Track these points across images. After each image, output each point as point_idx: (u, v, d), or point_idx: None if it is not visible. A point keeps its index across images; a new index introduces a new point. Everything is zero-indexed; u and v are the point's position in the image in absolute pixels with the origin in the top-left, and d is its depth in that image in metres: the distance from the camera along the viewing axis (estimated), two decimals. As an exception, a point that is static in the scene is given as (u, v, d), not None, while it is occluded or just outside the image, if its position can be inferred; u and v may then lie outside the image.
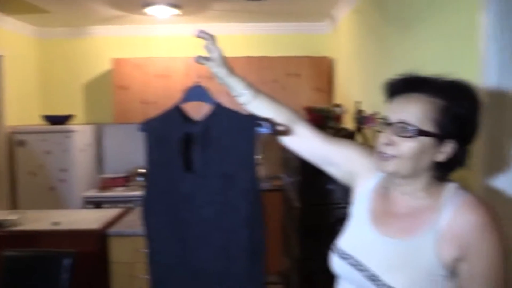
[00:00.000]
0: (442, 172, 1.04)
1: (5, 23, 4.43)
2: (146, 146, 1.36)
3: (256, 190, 1.23)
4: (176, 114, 1.32)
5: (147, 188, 1.37)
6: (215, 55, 1.23)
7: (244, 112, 1.27)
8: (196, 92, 1.35)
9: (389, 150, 1.03)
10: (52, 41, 5.08)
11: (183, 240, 1.31)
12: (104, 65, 5.00)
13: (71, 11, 4.33)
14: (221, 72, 1.24)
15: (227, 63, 1.26)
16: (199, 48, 1.28)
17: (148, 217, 1.37)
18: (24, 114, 4.77)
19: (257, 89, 1.29)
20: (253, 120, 1.22)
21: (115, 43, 5.04)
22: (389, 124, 1.03)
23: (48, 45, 5.08)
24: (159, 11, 4.13)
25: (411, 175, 1.03)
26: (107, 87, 4.93)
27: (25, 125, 4.59)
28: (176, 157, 1.29)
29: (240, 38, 4.93)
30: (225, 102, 1.30)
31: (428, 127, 0.99)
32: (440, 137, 0.99)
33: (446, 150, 1.01)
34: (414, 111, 1.00)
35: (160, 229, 1.35)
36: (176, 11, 4.16)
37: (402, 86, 1.05)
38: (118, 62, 4.71)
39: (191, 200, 1.28)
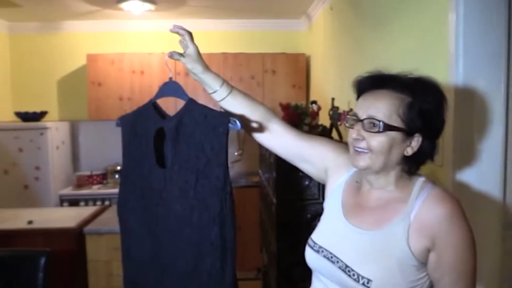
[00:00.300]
0: (411, 165, 1.08)
1: (-25, 17, 4.31)
2: (122, 140, 1.37)
3: (227, 187, 1.22)
4: (150, 110, 1.32)
5: (122, 183, 1.37)
6: (190, 51, 1.23)
7: (217, 109, 1.28)
8: (170, 88, 1.35)
9: (361, 144, 1.06)
10: (24, 36, 4.96)
11: (156, 236, 1.31)
12: (78, 61, 4.92)
13: (43, 5, 4.24)
14: (196, 68, 1.24)
15: (202, 60, 1.25)
16: (175, 44, 1.28)
17: (123, 212, 1.37)
18: (-5, 111, 4.66)
19: (232, 86, 1.30)
20: (225, 116, 1.22)
21: (89, 38, 4.96)
22: (359, 120, 1.06)
23: (20, 40, 4.97)
24: (134, 6, 4.09)
25: (382, 169, 1.07)
26: (81, 83, 4.84)
27: (-4, 122, 4.49)
28: (149, 152, 1.29)
29: (216, 34, 4.92)
30: (201, 98, 1.31)
31: (396, 122, 1.03)
32: (407, 131, 1.03)
33: (414, 144, 1.05)
34: (381, 106, 1.03)
35: (133, 224, 1.35)
36: (151, 6, 4.12)
37: (370, 83, 1.08)
38: (92, 57, 4.64)
39: (164, 195, 1.27)
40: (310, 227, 2.25)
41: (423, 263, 1.02)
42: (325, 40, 3.94)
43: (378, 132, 1.02)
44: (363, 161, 1.07)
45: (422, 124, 1.03)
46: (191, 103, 1.27)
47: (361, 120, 1.05)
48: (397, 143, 1.04)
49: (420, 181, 1.08)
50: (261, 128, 1.29)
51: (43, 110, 4.67)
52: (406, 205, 1.05)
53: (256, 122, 1.28)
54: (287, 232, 2.27)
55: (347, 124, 1.12)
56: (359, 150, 1.07)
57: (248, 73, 4.64)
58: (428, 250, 1.01)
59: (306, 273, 1.25)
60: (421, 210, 1.02)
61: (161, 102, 1.37)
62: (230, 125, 1.21)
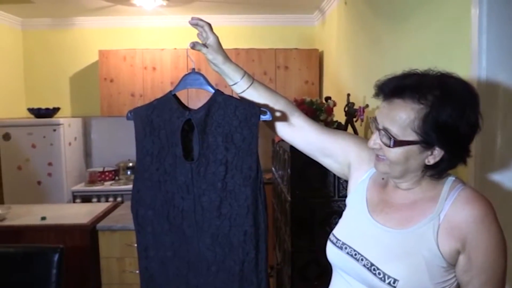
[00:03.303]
0: (435, 172, 1.03)
1: (-12, 14, 4.33)
2: (136, 135, 1.33)
3: (258, 177, 1.23)
4: (171, 102, 1.29)
5: (138, 179, 1.33)
6: (211, 41, 1.20)
7: (244, 100, 1.26)
8: (194, 79, 1.31)
9: (379, 153, 1.04)
10: (37, 32, 4.98)
11: (180, 230, 1.29)
12: (91, 57, 4.93)
13: (56, 1, 4.25)
14: (217, 58, 1.21)
15: (223, 50, 1.23)
16: (187, 40, 1.24)
17: (139, 209, 1.34)
18: (9, 107, 4.69)
19: (253, 77, 1.27)
20: (256, 107, 1.21)
21: (101, 34, 4.97)
22: (378, 129, 1.03)
23: (33, 36, 4.99)
24: (146, 2, 4.07)
25: (402, 176, 1.04)
26: (93, 80, 4.86)
27: (10, 118, 4.52)
28: (172, 145, 1.26)
29: (229, 29, 4.89)
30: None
31: (410, 136, 0.98)
32: (425, 143, 0.98)
33: (436, 153, 0.99)
34: (396, 119, 0.99)
35: (151, 221, 1.32)
36: (163, 1, 4.10)
37: (388, 91, 1.03)
38: (104, 53, 4.64)
39: (190, 189, 1.26)
40: (326, 225, 2.25)
41: (451, 264, 0.99)
42: (339, 35, 3.90)
43: (390, 147, 1.00)
44: (382, 167, 1.05)
45: (438, 138, 0.97)
46: (218, 95, 1.24)
47: (379, 129, 1.03)
48: (415, 154, 1.00)
49: (449, 180, 1.04)
50: (284, 117, 1.26)
51: (56, 107, 4.69)
52: (435, 205, 1.01)
53: (279, 111, 1.26)
54: (302, 230, 2.24)
55: (372, 128, 1.09)
56: (379, 156, 1.05)
57: (260, 69, 4.61)
58: (458, 252, 0.98)
59: (321, 272, 1.23)
60: (451, 211, 0.99)
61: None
62: (261, 115, 1.20)
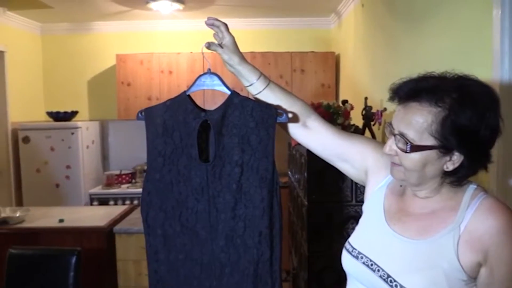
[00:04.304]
0: (454, 179, 0.99)
1: (8, 19, 4.41)
2: (148, 135, 1.31)
3: (274, 179, 1.22)
4: (185, 103, 1.27)
5: (148, 180, 1.31)
6: (227, 41, 1.19)
7: (261, 101, 1.25)
8: (209, 80, 1.30)
9: (395, 160, 1.01)
10: (56, 37, 5.06)
11: (193, 232, 1.28)
12: (108, 61, 4.98)
13: (74, 7, 4.31)
14: (232, 59, 1.20)
15: (239, 51, 1.22)
16: (203, 43, 1.24)
17: (149, 211, 1.31)
18: (28, 110, 4.77)
19: (269, 79, 1.25)
20: (272, 109, 1.20)
21: (118, 38, 5.02)
22: (393, 134, 1.00)
23: (52, 41, 5.07)
24: (163, 6, 4.10)
25: (420, 183, 1.00)
26: (111, 83, 4.91)
27: (29, 122, 4.59)
28: (186, 146, 1.25)
29: (244, 33, 4.89)
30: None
31: (428, 140, 0.94)
32: (444, 148, 0.94)
33: (455, 158, 0.95)
34: (413, 123, 0.95)
35: (163, 224, 1.30)
36: (179, 6, 4.13)
37: (403, 94, 0.99)
38: (121, 58, 4.69)
39: (205, 190, 1.25)
40: (343, 230, 2.23)
41: (472, 277, 0.94)
42: (356, 38, 3.87)
43: (406, 152, 0.96)
44: (398, 173, 1.01)
45: (457, 142, 0.92)
46: (234, 96, 1.24)
47: (394, 135, 0.99)
48: (433, 160, 0.95)
49: (470, 188, 1.00)
50: (296, 119, 1.24)
51: (74, 110, 4.75)
52: (455, 215, 0.97)
53: (292, 112, 1.24)
54: (319, 235, 2.22)
55: (387, 133, 1.05)
56: (395, 162, 1.01)
57: (276, 72, 4.60)
58: (479, 265, 0.93)
59: (338, 278, 1.21)
60: (472, 222, 0.94)
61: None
62: (278, 117, 1.19)
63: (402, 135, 0.96)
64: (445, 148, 0.94)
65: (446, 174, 0.98)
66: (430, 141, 0.94)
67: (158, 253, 1.33)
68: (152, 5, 4.08)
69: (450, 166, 0.96)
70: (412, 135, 0.95)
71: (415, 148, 0.95)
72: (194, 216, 1.27)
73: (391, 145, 1.00)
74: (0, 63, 4.34)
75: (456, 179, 0.99)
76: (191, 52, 4.64)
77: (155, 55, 4.68)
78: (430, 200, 1.02)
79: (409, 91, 0.98)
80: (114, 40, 5.02)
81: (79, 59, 5.05)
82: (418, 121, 0.94)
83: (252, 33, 4.93)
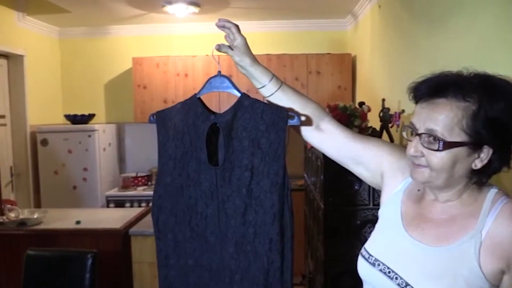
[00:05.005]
0: (481, 177, 0.96)
1: (27, 23, 4.48)
2: (159, 138, 1.30)
3: (285, 183, 1.19)
4: (195, 105, 1.26)
5: (159, 184, 1.30)
6: (238, 42, 1.17)
7: (272, 104, 1.22)
8: (219, 82, 1.29)
9: (420, 161, 0.96)
10: (73, 41, 5.12)
11: (203, 238, 1.25)
12: (125, 64, 5.02)
13: (91, 11, 4.35)
14: (244, 60, 1.18)
15: (251, 52, 1.20)
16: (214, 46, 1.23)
17: (159, 215, 1.30)
18: (46, 113, 4.83)
19: (281, 80, 1.23)
20: (284, 111, 1.17)
21: (135, 42, 5.06)
22: (417, 134, 0.96)
23: (69, 45, 5.13)
24: (179, 9, 4.12)
25: (447, 185, 0.97)
26: (127, 86, 4.94)
27: (47, 124, 4.64)
28: (196, 150, 1.24)
29: (260, 35, 4.88)
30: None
31: (458, 136, 0.91)
32: (474, 144, 0.91)
33: (484, 156, 0.92)
34: (441, 119, 0.91)
35: (174, 228, 1.28)
36: (195, 9, 4.14)
37: (427, 90, 0.95)
38: (138, 61, 4.72)
39: (214, 195, 1.23)
40: (360, 235, 2.19)
41: (494, 286, 0.91)
42: (373, 39, 3.82)
43: (438, 150, 0.92)
44: (422, 175, 0.97)
45: (490, 135, 0.90)
46: (244, 98, 1.21)
47: (419, 134, 0.95)
48: (462, 158, 0.92)
49: (491, 193, 0.96)
50: (309, 122, 1.21)
51: (91, 113, 4.80)
52: (476, 220, 0.94)
53: (304, 115, 1.21)
54: (335, 238, 2.19)
55: (405, 135, 1.02)
56: (416, 163, 0.97)
57: (292, 74, 4.58)
58: (502, 272, 0.90)
59: (355, 283, 1.18)
60: (494, 227, 0.91)
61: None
62: (289, 120, 1.16)
63: (430, 133, 0.93)
64: (475, 144, 0.91)
65: (473, 173, 0.95)
66: (461, 137, 0.91)
67: (168, 258, 1.31)
68: (168, 8, 4.10)
69: (478, 164, 0.93)
70: (442, 131, 0.91)
71: (448, 145, 0.91)
72: (204, 221, 1.25)
73: (416, 145, 0.96)
74: (20, 67, 4.41)
75: (484, 176, 0.96)
76: (207, 55, 4.64)
77: (171, 58, 4.70)
78: (451, 205, 0.99)
79: (433, 88, 0.95)
80: (131, 43, 5.06)
81: (96, 62, 5.10)
82: (448, 116, 0.91)
83: (268, 35, 4.92)
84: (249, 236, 1.21)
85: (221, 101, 4.33)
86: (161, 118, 1.31)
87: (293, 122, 1.17)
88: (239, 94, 1.24)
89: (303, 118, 1.21)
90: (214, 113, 1.25)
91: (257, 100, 1.21)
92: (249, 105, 1.20)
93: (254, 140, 1.19)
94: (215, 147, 1.27)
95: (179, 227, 1.27)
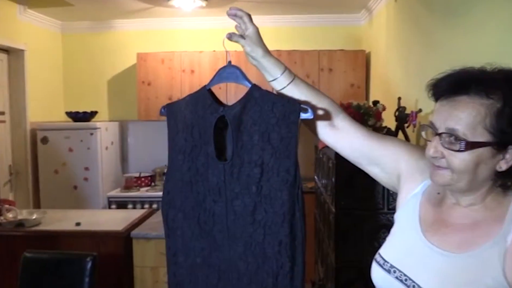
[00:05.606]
0: (506, 181, 0.93)
1: (29, 17, 4.49)
2: (169, 131, 1.30)
3: (296, 181, 1.16)
4: (205, 97, 1.25)
5: (169, 179, 1.30)
6: (250, 32, 1.15)
7: (284, 96, 1.20)
8: (230, 73, 1.27)
9: (440, 163, 0.94)
10: (76, 36, 5.14)
11: (211, 236, 1.24)
12: (129, 60, 5.02)
13: (94, 4, 4.36)
14: (255, 51, 1.16)
15: (263, 43, 1.18)
16: (226, 42, 1.21)
17: (169, 211, 1.30)
18: (47, 110, 4.85)
19: (294, 74, 1.21)
20: (296, 104, 1.15)
21: (139, 37, 5.06)
22: (437, 134, 0.93)
23: (72, 39, 5.14)
24: (185, 3, 4.11)
25: (469, 188, 0.94)
26: (131, 83, 4.95)
27: (48, 122, 4.66)
28: (204, 144, 1.22)
29: (270, 30, 4.84)
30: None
31: (482, 136, 0.88)
32: (498, 145, 0.89)
33: (509, 156, 0.90)
34: (463, 117, 0.89)
35: (182, 225, 1.28)
36: (202, 2, 4.13)
37: (447, 87, 0.93)
38: (142, 56, 4.72)
39: (222, 191, 1.21)
40: (373, 240, 2.16)
41: None
42: (388, 35, 3.79)
43: (460, 151, 0.89)
44: (442, 178, 0.94)
45: None
46: (255, 90, 1.19)
47: (439, 134, 0.92)
48: (486, 159, 0.89)
49: None
50: (327, 117, 1.18)
51: (93, 110, 4.81)
52: (501, 226, 0.90)
53: (323, 109, 1.18)
54: (347, 244, 2.16)
55: (423, 135, 1.00)
56: (436, 165, 0.95)
57: (303, 71, 4.54)
58: None
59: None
60: None
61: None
62: (302, 113, 1.14)
63: (451, 132, 0.90)
64: (500, 144, 0.88)
65: (497, 175, 0.92)
66: (484, 136, 0.88)
67: (177, 256, 1.31)
68: (174, 2, 4.09)
69: (503, 165, 0.90)
70: (463, 131, 0.89)
71: (470, 145, 0.88)
72: (212, 219, 1.24)
73: (436, 146, 0.93)
74: (20, 62, 4.42)
75: (508, 180, 0.93)
76: (214, 51, 4.63)
77: (176, 54, 4.69)
78: (473, 209, 0.96)
79: (454, 84, 0.92)
80: (135, 38, 5.06)
81: (99, 57, 5.11)
82: (471, 114, 0.88)
83: (278, 30, 4.89)
84: (258, 237, 1.19)
85: (236, 92, 4.31)
86: (171, 111, 1.30)
87: (306, 115, 1.14)
88: (249, 85, 1.22)
89: (320, 112, 1.18)
90: (223, 105, 1.24)
91: (268, 91, 1.19)
92: (259, 96, 1.18)
93: (264, 135, 1.17)
94: (226, 141, 1.25)
95: (188, 224, 1.27)
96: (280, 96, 1.19)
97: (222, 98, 1.30)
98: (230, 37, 1.16)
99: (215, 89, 1.28)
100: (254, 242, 1.19)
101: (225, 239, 1.23)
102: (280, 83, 1.19)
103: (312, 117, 1.15)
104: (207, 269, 1.27)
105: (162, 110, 1.33)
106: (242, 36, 1.16)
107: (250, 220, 1.19)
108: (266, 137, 1.17)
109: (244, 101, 1.19)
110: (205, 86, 1.27)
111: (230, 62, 1.27)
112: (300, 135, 1.17)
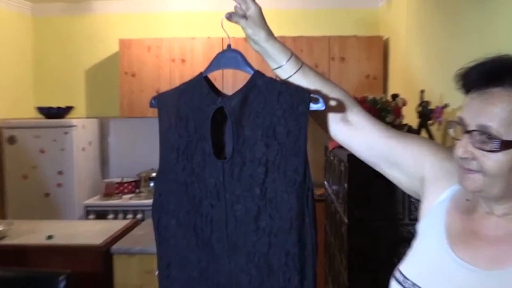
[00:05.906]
0: None
1: (-6, -3, 4.51)
2: (160, 126, 1.31)
3: (306, 182, 1.16)
4: (201, 86, 1.25)
5: (161, 180, 1.31)
6: (252, 12, 1.16)
7: (291, 84, 1.20)
8: (229, 58, 1.28)
9: (471, 165, 0.94)
10: (49, 19, 5.15)
11: (209, 246, 1.25)
12: (110, 47, 5.04)
13: (70, -17, 4.37)
14: (258, 34, 1.16)
15: (267, 25, 1.18)
16: (225, 22, 1.21)
17: (161, 218, 1.31)
18: (15, 105, 4.87)
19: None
20: (305, 93, 1.15)
21: (123, 20, 5.08)
22: (467, 131, 0.93)
23: (44, 23, 5.16)
24: (175, -19, 4.11)
25: (503, 195, 0.94)
26: (113, 74, 4.96)
27: (16, 119, 4.67)
28: (200, 139, 1.23)
29: (273, 14, 4.82)
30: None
31: None
32: None
33: None
34: (497, 112, 0.89)
35: (176, 233, 1.29)
36: (195, -19, 4.13)
37: (480, 79, 0.93)
38: (126, 43, 4.73)
39: (221, 194, 1.22)
40: (392, 256, 2.17)
41: None
42: (409, 19, 3.81)
43: (493, 151, 0.89)
44: (473, 183, 0.94)
45: None
46: (258, 77, 1.19)
47: (470, 132, 0.92)
48: None
49: None
50: (341, 109, 1.19)
51: (69, 105, 4.83)
52: None
53: (336, 99, 1.18)
54: (362, 260, 2.19)
55: (451, 133, 1.00)
56: (466, 167, 0.95)
57: (311, 61, 4.55)
58: None
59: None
60: None
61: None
62: (312, 104, 1.14)
63: (483, 130, 0.90)
64: None
65: None
66: None
67: (170, 268, 1.32)
68: (161, -21, 4.10)
69: None
70: (497, 128, 0.89)
71: (505, 144, 0.88)
72: (209, 226, 1.24)
73: (466, 145, 0.93)
74: (-16, 49, 4.44)
75: None
76: (208, 37, 4.64)
77: (165, 41, 4.71)
78: (509, 219, 0.96)
79: (487, 75, 0.92)
80: (118, 22, 5.08)
81: (76, 44, 5.13)
82: (505, 110, 0.88)
83: (281, 13, 4.91)
84: (263, 247, 1.19)
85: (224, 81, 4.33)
86: (163, 102, 1.31)
87: (317, 106, 1.14)
88: (251, 72, 1.22)
89: (333, 103, 1.18)
90: (222, 95, 1.24)
91: (273, 79, 1.19)
92: (262, 85, 1.18)
93: (268, 129, 1.17)
94: (225, 136, 1.26)
95: (183, 232, 1.28)
96: (287, 85, 1.19)
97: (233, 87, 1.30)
98: (230, 17, 1.16)
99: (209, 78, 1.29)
100: (257, 253, 1.20)
101: (225, 249, 1.23)
102: (286, 71, 1.19)
103: (323, 108, 1.14)
104: (204, 284, 1.27)
105: (153, 101, 1.33)
106: (243, 17, 1.16)
107: (253, 227, 1.19)
108: (271, 131, 1.17)
109: (245, 91, 1.19)
110: (201, 73, 1.27)
111: (229, 46, 1.28)
112: (307, 133, 1.16)
